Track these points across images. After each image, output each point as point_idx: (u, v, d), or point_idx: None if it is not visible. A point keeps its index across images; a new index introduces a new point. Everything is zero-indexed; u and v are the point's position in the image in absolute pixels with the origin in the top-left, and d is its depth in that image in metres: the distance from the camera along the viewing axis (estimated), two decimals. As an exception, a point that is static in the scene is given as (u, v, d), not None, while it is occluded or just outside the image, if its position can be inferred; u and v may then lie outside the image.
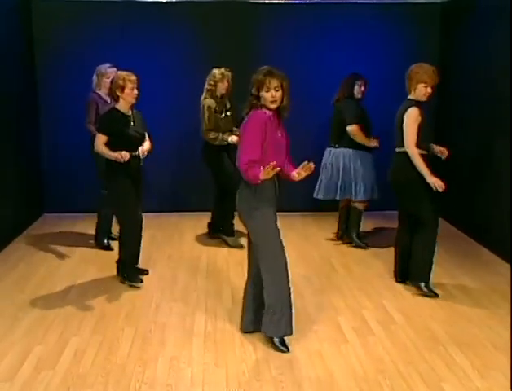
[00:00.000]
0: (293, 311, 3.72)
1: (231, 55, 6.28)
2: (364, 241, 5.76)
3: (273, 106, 3.57)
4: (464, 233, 6.13)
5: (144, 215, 6.66)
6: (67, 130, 6.58)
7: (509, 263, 5.13)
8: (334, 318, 4.15)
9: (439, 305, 4.35)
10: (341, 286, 4.75)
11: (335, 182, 5.63)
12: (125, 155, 4.43)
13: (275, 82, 3.52)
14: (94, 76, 5.49)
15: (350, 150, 5.56)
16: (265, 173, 3.43)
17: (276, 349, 3.65)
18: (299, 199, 6.59)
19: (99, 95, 5.44)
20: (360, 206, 5.69)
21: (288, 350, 3.65)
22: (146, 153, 4.75)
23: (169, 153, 6.67)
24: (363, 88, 5.56)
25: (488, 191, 5.68)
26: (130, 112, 4.61)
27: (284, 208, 6.78)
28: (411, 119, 4.47)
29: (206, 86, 5.57)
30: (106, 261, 5.17)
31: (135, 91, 4.54)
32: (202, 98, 5.59)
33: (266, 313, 3.69)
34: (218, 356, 3.59)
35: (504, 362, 3.47)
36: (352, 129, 5.49)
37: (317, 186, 5.75)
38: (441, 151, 4.86)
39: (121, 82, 4.50)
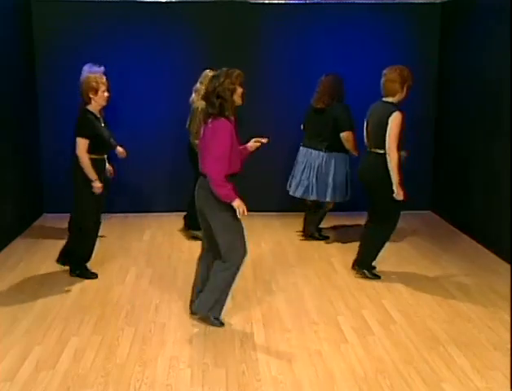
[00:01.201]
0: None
1: (230, 56, 6.28)
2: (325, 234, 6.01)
3: (242, 102, 3.74)
4: (463, 233, 6.13)
5: (144, 215, 6.70)
6: (67, 130, 6.55)
7: (508, 263, 5.13)
8: (334, 318, 4.15)
9: (439, 305, 4.36)
10: (341, 286, 4.75)
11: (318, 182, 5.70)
12: (98, 189, 4.59)
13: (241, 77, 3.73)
14: (84, 76, 5.39)
15: (334, 153, 5.64)
16: (238, 206, 3.64)
17: (212, 323, 3.97)
18: (298, 199, 6.58)
19: None
20: (330, 205, 5.88)
21: (223, 324, 3.98)
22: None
23: (170, 153, 6.67)
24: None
25: (488, 190, 5.68)
26: (98, 114, 4.71)
27: (284, 208, 6.85)
28: (395, 124, 4.49)
29: (198, 86, 5.61)
30: (106, 261, 5.18)
31: (106, 94, 4.63)
32: (194, 99, 5.62)
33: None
34: (218, 356, 3.59)
35: (504, 362, 3.48)
36: (347, 135, 5.53)
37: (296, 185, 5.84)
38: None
39: (94, 84, 4.59)
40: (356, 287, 4.70)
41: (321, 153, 5.64)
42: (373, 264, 4.92)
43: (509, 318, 4.00)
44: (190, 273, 4.99)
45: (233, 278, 3.92)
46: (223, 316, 4.07)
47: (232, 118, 3.74)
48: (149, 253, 5.55)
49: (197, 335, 3.88)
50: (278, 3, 6.68)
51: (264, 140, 3.97)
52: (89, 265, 4.92)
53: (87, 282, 4.78)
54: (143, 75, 6.65)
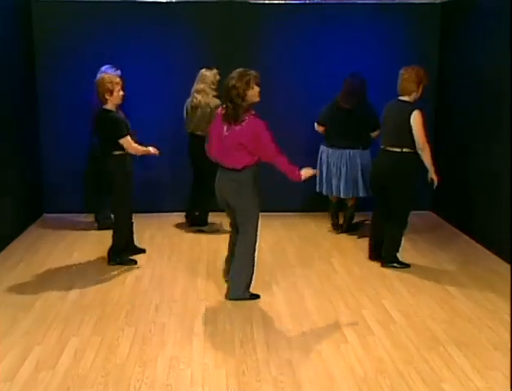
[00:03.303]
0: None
1: (230, 56, 6.28)
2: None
3: (259, 99, 4.10)
4: (463, 233, 6.13)
5: (144, 215, 6.69)
6: (67, 130, 6.59)
7: (508, 263, 5.13)
8: (334, 318, 4.15)
9: (439, 305, 4.36)
10: (341, 286, 4.75)
11: (355, 180, 5.89)
12: (154, 151, 5.08)
13: (257, 78, 4.08)
14: (99, 78, 5.45)
15: (365, 150, 5.89)
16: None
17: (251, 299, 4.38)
18: (299, 199, 6.59)
19: None
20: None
21: (259, 296, 4.45)
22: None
23: (172, 153, 6.66)
24: None
25: (488, 190, 5.68)
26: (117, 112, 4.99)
27: (284, 208, 6.85)
28: (419, 122, 4.76)
29: (202, 87, 5.75)
30: (106, 261, 5.17)
31: (121, 93, 4.92)
32: (200, 99, 5.73)
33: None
34: (218, 356, 3.60)
35: (504, 362, 3.48)
36: (379, 134, 5.65)
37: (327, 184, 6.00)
38: None
39: (109, 85, 4.82)
40: (356, 287, 4.70)
41: (359, 151, 5.84)
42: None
43: (509, 318, 4.00)
44: (190, 273, 5.01)
45: (253, 249, 4.34)
46: (224, 316, 4.08)
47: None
48: (149, 253, 5.54)
49: (197, 335, 3.88)
50: (278, 3, 6.68)
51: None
52: (86, 266, 4.93)
53: (87, 282, 4.78)
54: (143, 75, 6.64)
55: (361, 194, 5.90)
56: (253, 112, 4.14)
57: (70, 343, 3.74)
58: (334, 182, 5.92)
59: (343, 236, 6.03)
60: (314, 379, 3.34)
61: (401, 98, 4.85)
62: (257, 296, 4.45)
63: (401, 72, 4.85)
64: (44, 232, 6.20)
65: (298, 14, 6.65)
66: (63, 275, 4.93)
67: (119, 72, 5.62)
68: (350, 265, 5.19)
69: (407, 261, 5.16)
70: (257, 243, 4.38)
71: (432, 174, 4.94)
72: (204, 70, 5.85)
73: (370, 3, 6.67)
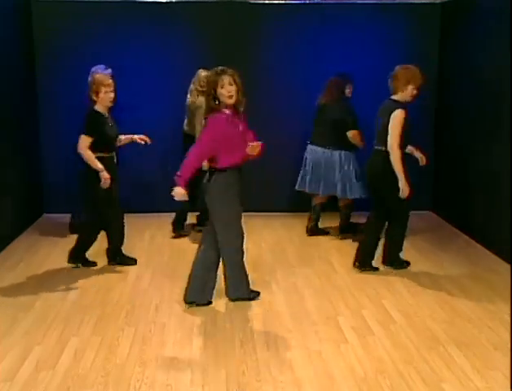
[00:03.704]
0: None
1: (230, 56, 6.28)
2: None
3: (231, 101, 3.90)
4: (463, 233, 6.13)
5: (144, 215, 6.69)
6: (67, 130, 6.56)
7: (508, 263, 5.13)
8: (334, 318, 4.15)
9: (439, 305, 4.36)
10: (341, 286, 4.75)
11: (332, 180, 5.81)
12: (107, 180, 4.71)
13: (227, 78, 3.86)
14: (90, 78, 5.40)
15: (348, 152, 5.78)
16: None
17: (254, 298, 4.38)
18: (299, 199, 6.58)
19: None
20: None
21: (259, 293, 4.46)
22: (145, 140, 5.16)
23: (170, 153, 6.66)
24: (351, 89, 5.76)
25: (488, 190, 5.68)
26: (107, 114, 4.84)
27: (284, 208, 6.85)
28: (396, 121, 4.62)
29: (192, 87, 5.78)
30: (106, 261, 5.18)
31: (111, 95, 4.74)
32: (194, 98, 5.75)
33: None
34: (218, 356, 3.59)
35: (504, 362, 3.47)
36: (354, 133, 5.69)
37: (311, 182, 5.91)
38: (421, 157, 5.14)
39: (94, 87, 4.71)
40: (356, 287, 4.70)
41: (340, 152, 5.77)
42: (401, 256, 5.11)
43: (509, 318, 4.00)
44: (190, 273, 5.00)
45: (236, 254, 4.22)
46: (224, 316, 4.09)
47: (229, 111, 3.97)
48: (149, 253, 5.55)
49: (197, 335, 3.88)
50: (278, 3, 6.68)
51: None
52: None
53: (87, 282, 4.79)
54: (142, 75, 6.65)
55: (339, 195, 5.83)
56: (225, 112, 3.95)
57: (70, 343, 3.74)
58: (307, 179, 5.90)
59: (343, 237, 6.03)
60: (314, 379, 3.34)
61: (392, 97, 4.78)
62: (257, 293, 4.44)
63: (394, 70, 4.81)
64: (44, 232, 6.20)
65: (298, 14, 6.65)
66: (63, 275, 4.93)
67: (109, 71, 5.45)
68: (350, 265, 5.18)
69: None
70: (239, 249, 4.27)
71: (401, 184, 4.64)
72: (200, 70, 5.79)
73: (370, 3, 6.67)
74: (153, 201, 6.85)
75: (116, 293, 4.57)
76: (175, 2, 6.62)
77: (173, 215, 6.09)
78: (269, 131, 6.58)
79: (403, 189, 4.64)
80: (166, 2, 6.60)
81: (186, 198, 4.01)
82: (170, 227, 6.11)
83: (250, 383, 3.29)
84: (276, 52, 6.71)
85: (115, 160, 4.91)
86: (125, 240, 5.19)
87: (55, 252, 5.55)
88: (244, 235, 4.25)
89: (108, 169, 4.75)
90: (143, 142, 5.16)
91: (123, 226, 5.14)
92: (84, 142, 4.71)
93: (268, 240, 5.92)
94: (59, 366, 3.45)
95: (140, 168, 6.76)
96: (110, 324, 4.02)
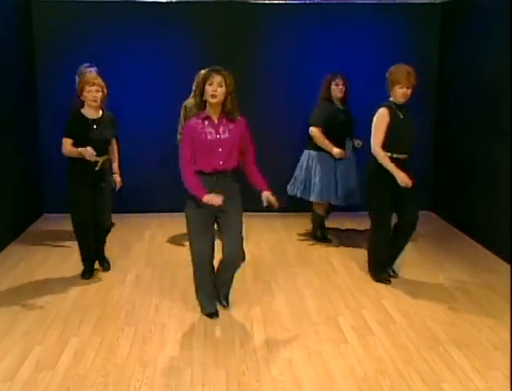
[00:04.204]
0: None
1: (230, 56, 6.28)
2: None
3: (213, 100, 3.74)
4: (464, 233, 6.13)
5: (144, 215, 6.68)
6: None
7: (508, 263, 5.13)
8: (334, 318, 4.15)
9: (439, 305, 4.35)
10: (341, 286, 4.75)
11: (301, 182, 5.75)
12: (90, 151, 4.44)
13: (218, 78, 3.73)
14: (77, 78, 5.39)
15: (313, 151, 5.65)
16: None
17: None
18: (299, 199, 6.58)
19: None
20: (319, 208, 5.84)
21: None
22: (118, 185, 4.89)
23: (170, 153, 6.66)
24: (341, 86, 5.54)
25: (488, 191, 5.68)
26: (95, 115, 4.60)
27: (284, 208, 6.84)
28: (377, 120, 4.49)
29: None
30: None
31: (94, 94, 4.49)
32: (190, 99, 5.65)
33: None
34: (218, 356, 3.59)
35: (504, 362, 3.47)
36: (312, 130, 5.56)
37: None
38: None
39: (80, 86, 4.58)
40: (356, 287, 4.70)
41: (309, 152, 5.70)
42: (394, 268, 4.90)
43: (509, 318, 4.00)
44: (190, 273, 5.00)
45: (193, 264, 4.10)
46: (224, 316, 4.10)
47: (204, 114, 3.83)
48: (149, 253, 5.55)
49: (197, 335, 3.88)
50: (278, 3, 6.68)
51: (275, 206, 3.93)
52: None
53: (87, 282, 4.78)
54: (142, 75, 6.65)
55: (310, 199, 5.70)
56: (202, 115, 3.84)
57: (70, 343, 3.74)
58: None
59: (343, 236, 6.02)
60: (314, 379, 3.34)
61: (390, 98, 4.62)
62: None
63: None
64: (44, 232, 6.20)
65: (298, 14, 6.65)
66: (63, 275, 4.92)
67: (94, 68, 5.35)
68: (350, 265, 5.19)
69: (407, 261, 5.15)
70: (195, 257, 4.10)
71: (399, 178, 4.40)
72: (203, 71, 5.74)
73: (370, 3, 6.68)
74: (153, 201, 6.85)
75: (116, 293, 4.57)
76: (175, 2, 6.62)
77: (173, 215, 6.09)
78: (268, 131, 6.60)
79: (402, 180, 4.40)
80: (166, 2, 6.61)
81: (220, 201, 3.76)
82: (170, 227, 6.11)
83: (250, 383, 3.29)
84: (276, 52, 6.72)
85: (95, 166, 4.57)
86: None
87: (54, 252, 5.55)
88: (204, 248, 3.99)
89: (80, 173, 4.57)
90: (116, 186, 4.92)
91: (87, 239, 4.83)
92: (64, 143, 4.54)
93: (268, 240, 5.92)
94: (59, 366, 3.45)
95: (140, 168, 6.75)
96: (110, 324, 4.02)
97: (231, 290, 4.31)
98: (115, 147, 4.89)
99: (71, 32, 6.51)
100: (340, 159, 5.57)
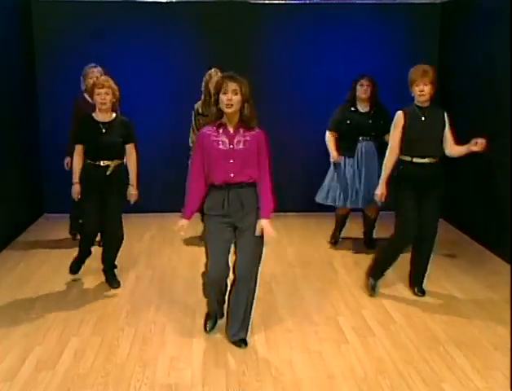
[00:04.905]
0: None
1: (230, 56, 6.28)
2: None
3: (229, 110, 3.45)
4: (464, 233, 6.13)
5: (144, 215, 6.68)
6: (67, 130, 6.56)
7: (509, 263, 5.13)
8: (334, 318, 4.15)
9: (439, 305, 4.35)
10: (341, 286, 4.75)
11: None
12: (74, 193, 4.54)
13: (233, 85, 3.42)
14: (81, 78, 5.42)
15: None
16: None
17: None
18: (300, 199, 6.59)
19: (84, 99, 5.33)
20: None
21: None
22: (133, 198, 4.74)
23: (170, 153, 6.67)
24: (365, 87, 5.46)
25: (488, 191, 5.68)
26: (106, 118, 4.49)
27: (284, 208, 6.85)
28: (393, 123, 4.44)
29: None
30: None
31: (103, 96, 4.39)
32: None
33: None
34: (218, 356, 3.59)
35: (504, 362, 3.47)
36: (327, 135, 5.55)
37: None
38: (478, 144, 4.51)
39: (90, 88, 4.55)
40: (356, 287, 4.70)
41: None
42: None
43: (509, 318, 4.00)
44: (190, 273, 5.01)
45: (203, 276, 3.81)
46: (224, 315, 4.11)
47: (218, 122, 3.55)
48: (149, 254, 5.55)
49: (197, 335, 3.88)
50: (278, 3, 6.68)
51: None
52: (87, 266, 4.92)
53: (87, 282, 4.78)
54: (143, 75, 6.65)
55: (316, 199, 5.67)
56: (216, 123, 3.56)
57: (70, 343, 3.74)
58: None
59: (343, 236, 6.02)
60: (314, 379, 3.34)
61: None
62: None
63: None
64: (44, 232, 6.20)
65: (298, 14, 6.65)
66: (63, 275, 4.92)
67: (98, 69, 5.32)
68: (350, 265, 5.19)
69: (407, 261, 5.13)
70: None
71: (380, 186, 4.41)
72: (212, 70, 5.58)
73: (370, 3, 6.68)
74: (153, 201, 6.85)
75: (117, 293, 4.57)
76: (175, 2, 6.62)
77: (173, 215, 6.07)
78: (269, 131, 6.57)
79: (381, 188, 4.39)
80: (166, 2, 6.61)
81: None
82: (170, 228, 6.10)
83: (250, 383, 3.29)
84: (276, 52, 6.72)
85: (106, 170, 4.48)
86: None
87: (54, 252, 5.55)
88: (219, 264, 3.59)
89: (89, 177, 4.51)
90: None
91: (88, 242, 4.79)
92: (75, 150, 4.53)
93: (268, 240, 5.90)
94: (59, 367, 3.45)
95: (140, 168, 6.73)
96: (110, 324, 4.02)
97: (247, 327, 3.77)
98: (132, 155, 4.64)
99: (71, 32, 6.51)
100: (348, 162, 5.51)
